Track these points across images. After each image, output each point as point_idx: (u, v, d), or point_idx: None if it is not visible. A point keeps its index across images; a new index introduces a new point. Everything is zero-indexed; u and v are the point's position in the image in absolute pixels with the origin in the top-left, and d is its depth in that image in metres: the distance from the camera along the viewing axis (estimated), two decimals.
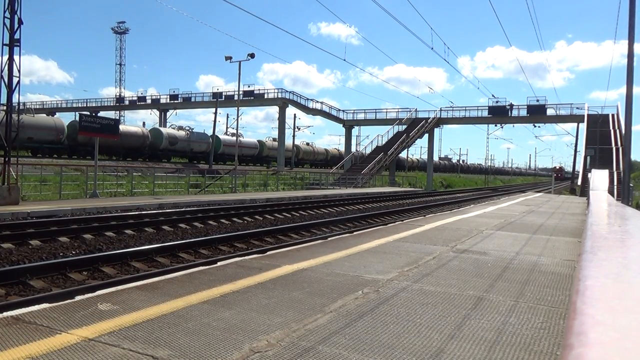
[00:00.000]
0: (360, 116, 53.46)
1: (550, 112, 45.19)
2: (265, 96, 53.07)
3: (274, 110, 54.75)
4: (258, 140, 54.92)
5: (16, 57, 13.80)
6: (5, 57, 13.68)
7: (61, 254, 8.63)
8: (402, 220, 13.27)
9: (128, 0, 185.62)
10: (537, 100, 45.54)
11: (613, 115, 42.08)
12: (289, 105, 51.57)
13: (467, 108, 48.23)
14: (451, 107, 48.93)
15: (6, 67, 13.69)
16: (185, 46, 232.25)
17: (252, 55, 27.34)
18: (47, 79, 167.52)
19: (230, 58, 27.80)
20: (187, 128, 45.90)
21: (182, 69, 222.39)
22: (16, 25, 13.71)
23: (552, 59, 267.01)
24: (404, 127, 47.68)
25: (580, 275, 1.14)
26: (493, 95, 57.21)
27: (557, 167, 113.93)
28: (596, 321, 0.77)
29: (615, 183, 22.15)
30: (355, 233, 8.71)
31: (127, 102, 68.45)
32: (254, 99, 53.57)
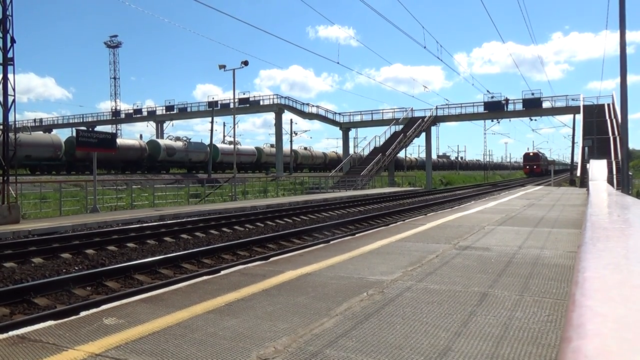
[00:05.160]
0: (357, 118, 53.50)
1: (546, 104, 45.27)
2: (261, 103, 53.15)
3: (272, 116, 54.83)
4: (256, 147, 55.01)
5: (10, 76, 13.82)
6: (0, 77, 13.70)
7: (64, 270, 8.62)
8: (404, 220, 13.27)
9: (123, 15, 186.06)
10: (532, 94, 45.64)
11: (609, 104, 42.17)
12: (285, 110, 51.65)
13: (463, 105, 48.32)
14: (447, 104, 49.05)
15: (0, 87, 13.70)
16: (181, 57, 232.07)
17: (245, 63, 27.40)
18: (45, 96, 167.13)
19: (224, 67, 27.86)
20: (185, 138, 45.99)
21: (179, 79, 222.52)
22: (9, 44, 13.74)
23: (549, 50, 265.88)
24: (401, 127, 47.71)
25: (579, 266, 1.15)
26: (488, 91, 57.39)
27: (531, 153, 78.62)
28: (595, 313, 0.78)
29: (615, 172, 22.17)
30: (357, 235, 8.71)
31: (123, 116, 68.52)
32: (249, 106, 53.65)
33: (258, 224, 15.14)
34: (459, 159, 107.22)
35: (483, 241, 7.18)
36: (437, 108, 48.76)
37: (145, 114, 64.36)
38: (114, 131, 65.52)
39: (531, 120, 48.90)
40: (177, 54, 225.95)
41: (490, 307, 3.74)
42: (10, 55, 13.78)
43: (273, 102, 51.88)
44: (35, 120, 73.28)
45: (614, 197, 7.35)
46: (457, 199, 27.88)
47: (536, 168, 73.52)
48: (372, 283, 4.59)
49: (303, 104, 52.87)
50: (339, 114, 54.50)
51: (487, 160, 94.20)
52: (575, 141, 44.12)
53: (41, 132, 43.59)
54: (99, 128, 59.99)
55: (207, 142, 46.40)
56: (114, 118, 69.66)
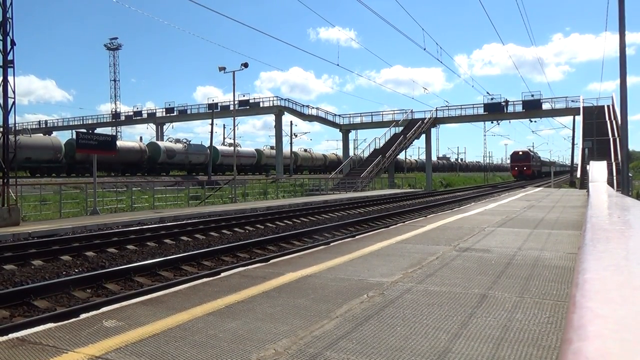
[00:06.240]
0: (357, 120, 53.52)
1: (545, 106, 45.29)
2: (261, 105, 53.20)
3: (272, 118, 54.88)
4: (256, 149, 55.08)
5: (10, 79, 13.84)
6: (0, 79, 13.71)
7: (64, 272, 8.61)
8: (404, 222, 13.27)
9: (123, 17, 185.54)
10: (532, 95, 45.67)
11: (608, 106, 42.17)
12: (285, 112, 51.68)
13: (462, 106, 48.32)
14: (447, 106, 49.07)
15: (0, 89, 13.71)
16: (181, 59, 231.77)
17: (245, 65, 27.44)
18: (46, 98, 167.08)
19: (224, 69, 27.88)
20: (185, 140, 46.07)
21: (179, 81, 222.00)
22: (9, 47, 13.75)
23: (549, 52, 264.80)
24: (401, 128, 47.73)
25: (580, 268, 1.15)
26: (488, 93, 57.33)
27: (520, 152, 69.58)
28: (595, 314, 0.78)
29: (614, 174, 22.17)
30: (357, 237, 8.71)
31: (123, 118, 68.60)
32: (249, 108, 53.70)
33: (258, 225, 15.13)
34: (459, 160, 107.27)
35: (483, 243, 7.18)
36: (437, 110, 48.78)
37: (145, 116, 64.42)
38: (114, 133, 65.54)
39: (531, 121, 48.98)
40: (177, 56, 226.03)
41: (491, 308, 3.74)
42: (10, 57, 13.80)
43: (273, 104, 51.92)
44: (40, 122, 73.38)
45: (614, 198, 7.36)
46: (457, 200, 27.88)
47: (526, 170, 66.51)
48: (373, 285, 4.59)
49: (303, 105, 52.97)
50: (339, 115, 54.58)
51: (487, 162, 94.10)
52: (575, 143, 44.15)
53: (41, 135, 43.65)
54: (99, 130, 59.97)
55: (207, 144, 46.45)
56: (114, 120, 69.75)
